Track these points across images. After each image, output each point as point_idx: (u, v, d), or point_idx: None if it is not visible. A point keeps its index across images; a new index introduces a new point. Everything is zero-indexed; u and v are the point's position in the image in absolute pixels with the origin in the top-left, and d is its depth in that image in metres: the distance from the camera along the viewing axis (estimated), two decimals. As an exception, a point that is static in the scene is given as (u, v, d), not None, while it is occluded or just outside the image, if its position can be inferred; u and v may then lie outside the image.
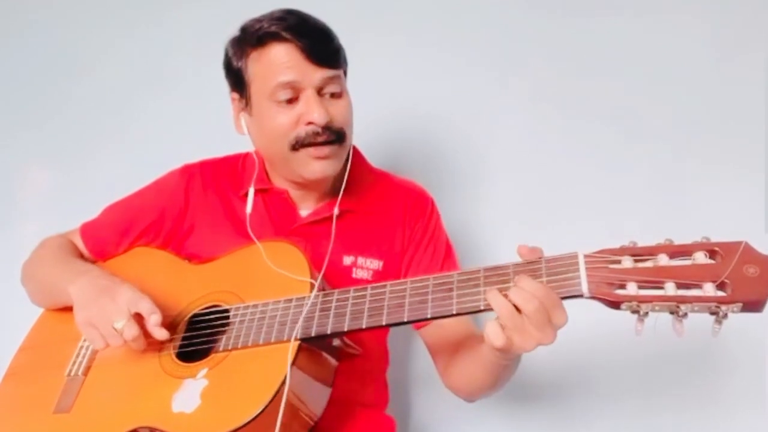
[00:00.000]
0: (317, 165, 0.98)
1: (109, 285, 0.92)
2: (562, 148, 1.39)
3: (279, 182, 1.08)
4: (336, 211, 1.02)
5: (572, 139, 1.39)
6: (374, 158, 1.17)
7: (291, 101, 0.96)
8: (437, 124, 1.47)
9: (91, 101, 1.71)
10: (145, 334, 0.88)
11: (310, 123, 0.96)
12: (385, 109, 1.46)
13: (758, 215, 1.24)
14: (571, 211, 1.35)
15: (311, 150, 0.97)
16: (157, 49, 1.68)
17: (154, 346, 0.93)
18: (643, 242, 0.73)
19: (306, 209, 1.07)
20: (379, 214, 1.07)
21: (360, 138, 1.10)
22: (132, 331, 0.86)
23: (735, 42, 1.32)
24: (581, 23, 1.41)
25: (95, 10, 1.75)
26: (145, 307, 0.88)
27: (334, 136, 0.97)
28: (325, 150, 0.97)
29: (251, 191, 1.05)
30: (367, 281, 1.02)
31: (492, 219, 1.43)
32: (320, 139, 0.96)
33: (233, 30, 1.02)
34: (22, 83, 1.77)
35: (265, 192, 1.08)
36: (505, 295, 0.73)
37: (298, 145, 0.97)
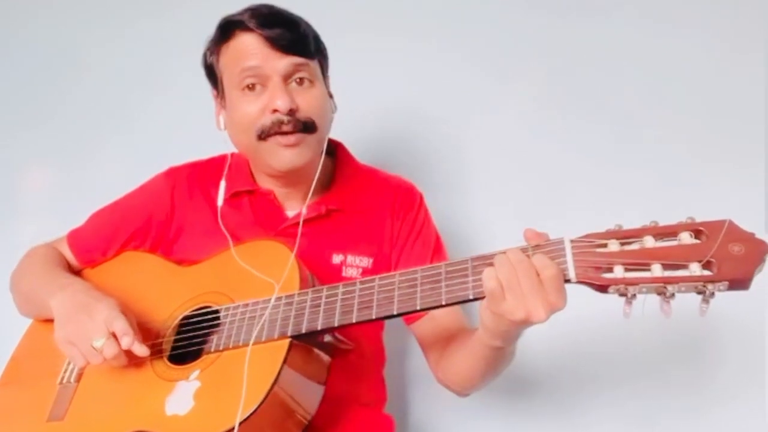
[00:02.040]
0: (286, 154, 0.97)
1: (88, 302, 0.91)
2: (554, 145, 1.40)
3: (264, 182, 1.07)
4: (305, 211, 1.01)
5: (565, 136, 1.39)
6: (364, 156, 1.16)
7: (257, 90, 0.96)
8: (427, 121, 1.48)
9: (91, 101, 1.71)
10: (127, 350, 0.87)
11: (275, 111, 0.95)
12: (373, 107, 1.46)
13: (758, 214, 1.24)
14: (564, 209, 1.35)
15: (279, 138, 0.96)
16: (158, 48, 1.68)
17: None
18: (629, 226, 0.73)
19: (293, 209, 1.07)
20: (368, 211, 1.07)
21: (351, 136, 1.10)
22: (112, 349, 0.86)
23: (735, 41, 1.33)
24: (578, 22, 1.42)
25: (95, 9, 1.75)
26: (119, 326, 0.86)
27: (301, 125, 0.96)
28: (292, 138, 0.96)
29: (222, 184, 1.05)
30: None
31: (483, 215, 1.42)
32: (285, 128, 0.95)
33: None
34: (21, 83, 1.77)
35: (252, 194, 1.07)
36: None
37: (263, 134, 0.96)
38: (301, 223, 1.00)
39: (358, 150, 1.16)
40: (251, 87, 0.96)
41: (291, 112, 0.95)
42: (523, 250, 0.76)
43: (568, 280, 0.72)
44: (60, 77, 1.74)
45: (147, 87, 1.67)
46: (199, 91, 1.32)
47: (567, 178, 1.37)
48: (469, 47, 1.47)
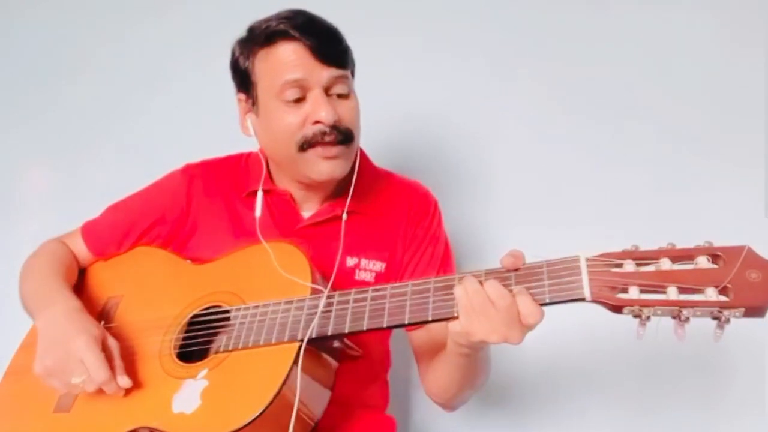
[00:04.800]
0: (325, 166, 0.97)
1: (66, 334, 0.88)
2: (566, 150, 1.40)
3: (282, 183, 1.07)
4: (345, 216, 1.01)
5: (576, 140, 1.39)
6: (380, 160, 1.16)
7: (298, 101, 0.95)
8: (442, 125, 1.48)
9: (92, 100, 1.71)
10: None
11: (317, 122, 0.95)
12: (390, 111, 1.46)
13: (759, 214, 1.24)
14: (574, 212, 1.36)
15: (319, 150, 0.96)
16: (159, 47, 1.68)
17: (153, 346, 0.93)
18: (646, 244, 0.72)
19: (309, 210, 1.07)
20: (383, 215, 1.07)
21: (366, 139, 1.10)
22: (92, 386, 0.86)
23: (738, 40, 1.33)
24: (584, 22, 1.42)
25: (96, 7, 1.75)
26: (94, 371, 0.85)
27: (342, 136, 0.96)
28: (334, 150, 0.96)
29: (260, 194, 1.04)
30: (370, 283, 1.02)
31: (497, 220, 1.43)
32: (328, 138, 0.95)
33: (237, 29, 1.01)
34: (22, 82, 1.77)
35: (268, 193, 1.07)
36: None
37: (306, 146, 0.96)
38: (343, 224, 1.01)
39: (378, 154, 1.15)
40: (296, 101, 0.95)
41: (333, 124, 0.95)
42: (536, 266, 0.75)
43: (582, 299, 0.72)
44: (61, 76, 1.75)
45: (148, 86, 1.67)
46: (200, 91, 1.33)
47: (582, 184, 1.38)
48: (492, 53, 1.47)
